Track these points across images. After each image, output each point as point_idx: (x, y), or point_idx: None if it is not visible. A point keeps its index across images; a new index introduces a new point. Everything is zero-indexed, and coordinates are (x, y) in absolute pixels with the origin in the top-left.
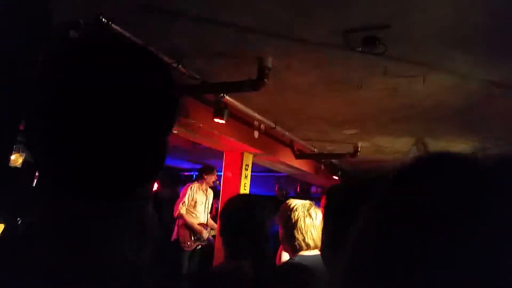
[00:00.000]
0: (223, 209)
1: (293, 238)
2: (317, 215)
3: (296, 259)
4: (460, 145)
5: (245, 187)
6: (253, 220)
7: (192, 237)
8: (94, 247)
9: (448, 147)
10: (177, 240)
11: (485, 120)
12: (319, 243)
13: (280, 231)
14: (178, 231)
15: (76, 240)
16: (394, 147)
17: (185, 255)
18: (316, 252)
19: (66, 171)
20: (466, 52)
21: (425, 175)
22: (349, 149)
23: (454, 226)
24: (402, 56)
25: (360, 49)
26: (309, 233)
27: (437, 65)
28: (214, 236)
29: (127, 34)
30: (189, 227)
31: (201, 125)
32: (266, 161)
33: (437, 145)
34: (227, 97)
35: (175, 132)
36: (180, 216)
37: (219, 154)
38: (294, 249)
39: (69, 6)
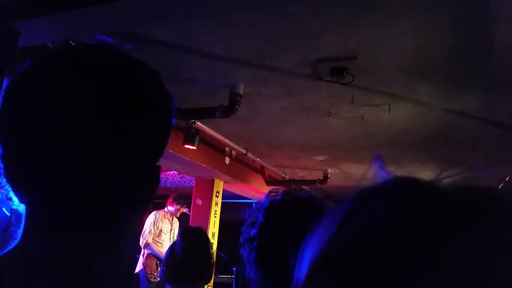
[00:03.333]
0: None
1: None
2: None
3: None
4: (425, 172)
5: (215, 215)
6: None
7: (159, 268)
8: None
9: (415, 174)
10: (142, 271)
11: (448, 147)
12: None
13: None
14: (144, 262)
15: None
16: (362, 174)
17: (151, 287)
18: None
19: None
20: (428, 82)
21: (388, 196)
22: (319, 175)
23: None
24: (368, 86)
25: (328, 78)
26: None
27: (402, 94)
28: None
29: None
30: (156, 257)
31: (171, 151)
32: (236, 188)
33: (403, 171)
34: (198, 123)
35: None
36: (147, 245)
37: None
38: None
39: (37, 31)
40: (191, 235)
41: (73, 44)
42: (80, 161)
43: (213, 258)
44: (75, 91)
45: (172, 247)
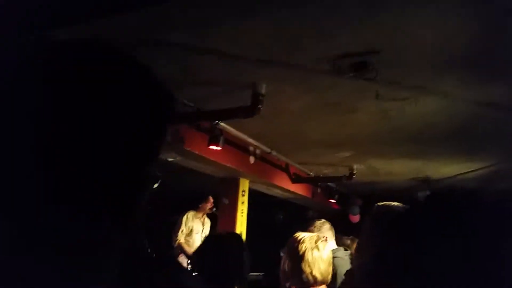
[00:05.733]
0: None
1: (301, 271)
2: (325, 247)
3: None
4: (452, 166)
5: (242, 213)
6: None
7: (189, 266)
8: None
9: (441, 168)
10: None
11: (475, 140)
12: (327, 277)
13: (287, 264)
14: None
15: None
16: (388, 168)
17: None
18: None
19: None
20: (455, 74)
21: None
22: (345, 171)
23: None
24: (393, 80)
25: (351, 74)
26: (316, 266)
27: (428, 87)
28: None
29: None
30: (187, 256)
31: (196, 152)
32: (262, 187)
33: (429, 166)
34: (222, 124)
35: (170, 160)
36: (179, 245)
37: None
38: (302, 283)
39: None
40: (228, 240)
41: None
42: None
43: (246, 263)
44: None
45: (209, 249)
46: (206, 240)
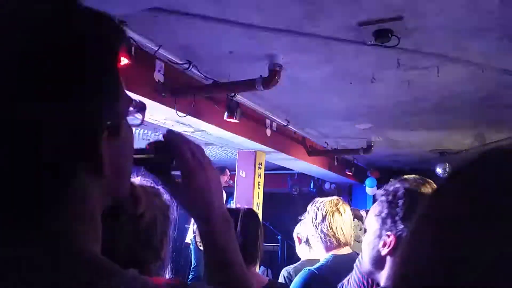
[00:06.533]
0: None
1: (323, 234)
2: (346, 210)
3: (323, 265)
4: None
5: (259, 186)
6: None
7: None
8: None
9: (461, 140)
10: (193, 240)
11: (501, 110)
12: (349, 239)
13: (309, 228)
14: (195, 231)
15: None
16: (409, 140)
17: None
18: (348, 250)
19: None
20: (480, 41)
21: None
22: (362, 144)
23: None
24: (415, 48)
25: (372, 42)
26: (339, 229)
27: (451, 55)
28: None
29: (137, 36)
30: None
31: (213, 125)
32: (279, 159)
33: (451, 138)
34: (238, 96)
35: (187, 133)
36: None
37: None
38: (326, 246)
39: None
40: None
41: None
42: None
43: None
44: None
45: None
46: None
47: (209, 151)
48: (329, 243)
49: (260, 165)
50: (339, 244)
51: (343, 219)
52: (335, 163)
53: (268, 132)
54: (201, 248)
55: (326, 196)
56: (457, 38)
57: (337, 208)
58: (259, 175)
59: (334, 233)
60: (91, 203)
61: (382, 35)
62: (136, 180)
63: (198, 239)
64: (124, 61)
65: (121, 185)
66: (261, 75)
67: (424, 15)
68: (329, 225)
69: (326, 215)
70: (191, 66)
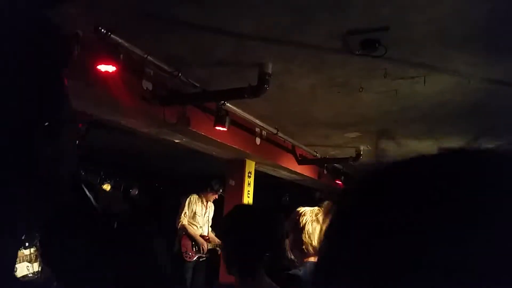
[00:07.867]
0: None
1: (301, 242)
2: (325, 220)
3: (301, 269)
4: (462, 145)
5: (248, 195)
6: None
7: (194, 248)
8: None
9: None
10: (178, 250)
11: (487, 119)
12: None
13: (290, 236)
14: (180, 242)
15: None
16: (396, 150)
17: (188, 267)
18: None
19: None
20: (466, 51)
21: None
22: (351, 153)
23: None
24: (402, 58)
25: (359, 52)
26: (316, 238)
27: (438, 65)
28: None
29: (126, 44)
30: (191, 238)
31: (202, 133)
32: (268, 168)
33: (440, 146)
34: (228, 105)
35: (176, 141)
36: (183, 226)
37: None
38: (303, 254)
39: (67, 17)
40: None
41: (103, 31)
42: None
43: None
44: None
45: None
46: (236, 209)
47: (197, 160)
48: (306, 251)
49: (249, 174)
50: (315, 253)
51: (321, 228)
52: (325, 172)
53: (258, 140)
54: (188, 260)
55: (316, 205)
56: (444, 48)
57: (317, 218)
58: (249, 184)
59: (311, 242)
60: None
61: (369, 45)
62: None
63: (184, 250)
64: (112, 68)
65: None
66: (249, 84)
67: (411, 25)
68: (307, 234)
69: (305, 223)
70: (180, 74)
